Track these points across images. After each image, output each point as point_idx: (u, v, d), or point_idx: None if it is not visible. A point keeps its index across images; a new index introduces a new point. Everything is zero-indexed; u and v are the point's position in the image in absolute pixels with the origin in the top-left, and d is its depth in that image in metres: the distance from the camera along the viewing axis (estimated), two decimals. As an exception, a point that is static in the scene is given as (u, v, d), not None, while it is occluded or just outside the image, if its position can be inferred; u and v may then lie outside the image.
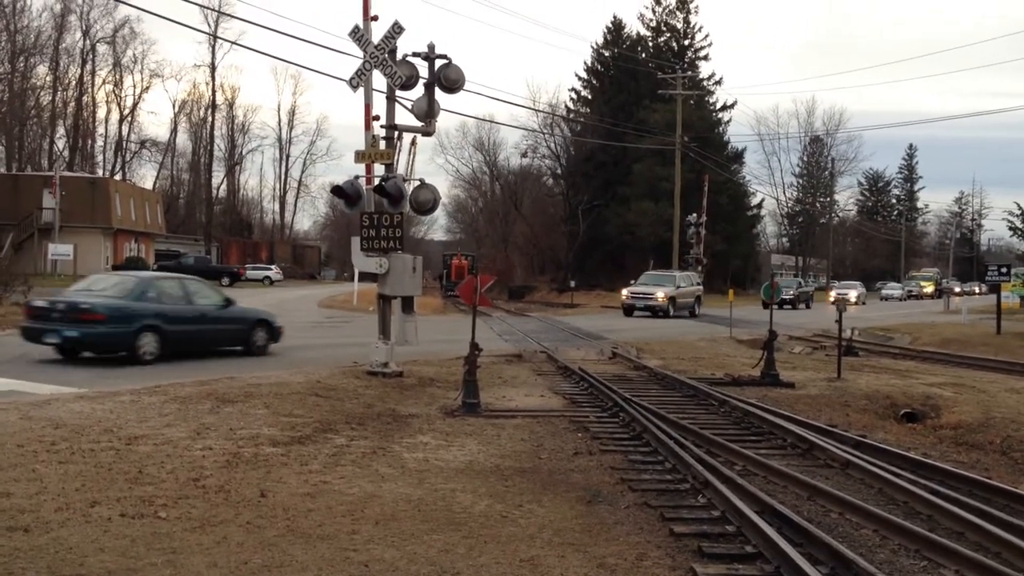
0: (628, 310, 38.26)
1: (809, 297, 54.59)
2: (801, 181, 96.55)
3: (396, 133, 15.36)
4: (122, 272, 22.05)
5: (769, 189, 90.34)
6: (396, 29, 14.57)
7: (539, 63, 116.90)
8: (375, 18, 14.71)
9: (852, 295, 58.98)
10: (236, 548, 5.97)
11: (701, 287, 43.29)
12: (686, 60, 70.86)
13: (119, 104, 77.16)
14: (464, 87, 15.65)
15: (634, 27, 75.02)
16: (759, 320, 29.01)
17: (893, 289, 76.48)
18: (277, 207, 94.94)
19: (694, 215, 54.82)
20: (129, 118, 77.56)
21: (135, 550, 5.83)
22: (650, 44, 73.60)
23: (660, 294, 37.60)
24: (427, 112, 15.38)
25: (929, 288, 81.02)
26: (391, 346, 14.85)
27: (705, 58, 74.02)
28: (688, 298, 39.97)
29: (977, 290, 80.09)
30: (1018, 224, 32.80)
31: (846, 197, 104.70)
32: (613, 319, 36.02)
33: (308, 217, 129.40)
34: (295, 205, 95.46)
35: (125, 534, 6.11)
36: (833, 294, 61.43)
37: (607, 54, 72.69)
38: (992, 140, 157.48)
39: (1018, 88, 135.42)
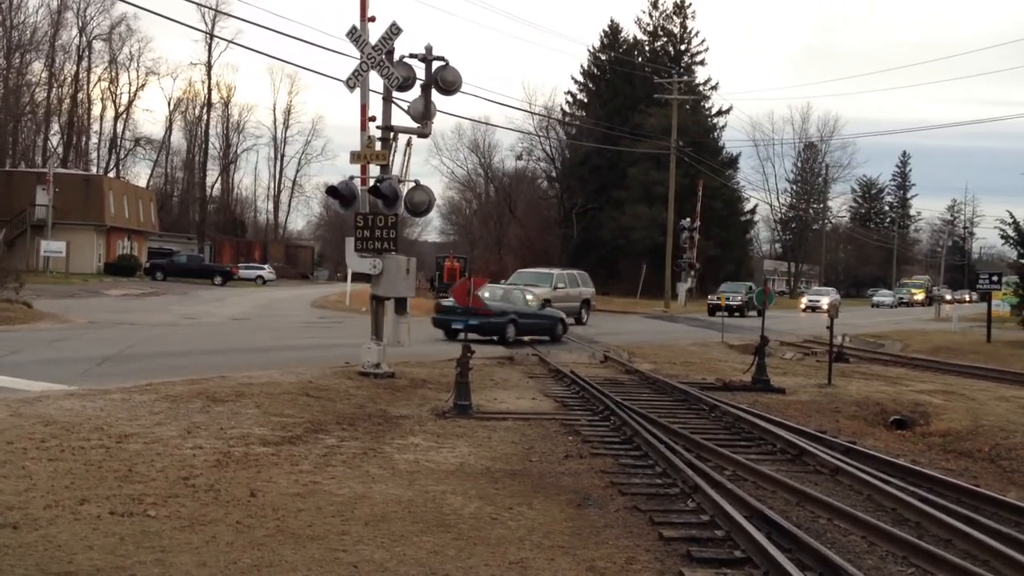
0: None
1: None
2: (795, 187, 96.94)
3: (392, 134, 15.36)
4: (491, 284, 29.85)
5: (763, 195, 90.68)
6: (394, 30, 14.58)
7: (535, 66, 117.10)
8: (372, 19, 14.72)
9: (824, 302, 54.74)
10: (225, 547, 5.97)
11: (592, 289, 36.06)
12: (682, 65, 71.07)
13: (114, 101, 76.97)
14: (461, 89, 15.68)
15: (631, 31, 75.24)
16: (751, 326, 29.07)
17: (884, 296, 76.57)
18: (271, 206, 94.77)
19: (688, 220, 54.86)
20: (124, 115, 77.36)
21: (124, 548, 5.82)
22: (646, 48, 73.76)
23: (530, 297, 29.12)
24: (423, 114, 15.39)
25: (920, 295, 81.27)
26: (383, 347, 14.84)
27: (701, 63, 74.35)
28: (571, 302, 32.32)
29: (968, 298, 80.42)
30: (1010, 233, 32.74)
31: (839, 204, 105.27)
32: (604, 321, 36.01)
33: (302, 217, 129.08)
34: (289, 205, 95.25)
35: (114, 532, 6.11)
36: (804, 301, 58.44)
37: (603, 58, 72.79)
38: (985, 149, 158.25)
39: (1012, 96, 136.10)
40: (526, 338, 24.21)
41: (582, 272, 37.29)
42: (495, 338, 23.13)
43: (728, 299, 45.60)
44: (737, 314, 43.33)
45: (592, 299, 35.77)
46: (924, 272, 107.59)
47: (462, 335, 21.67)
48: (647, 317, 42.52)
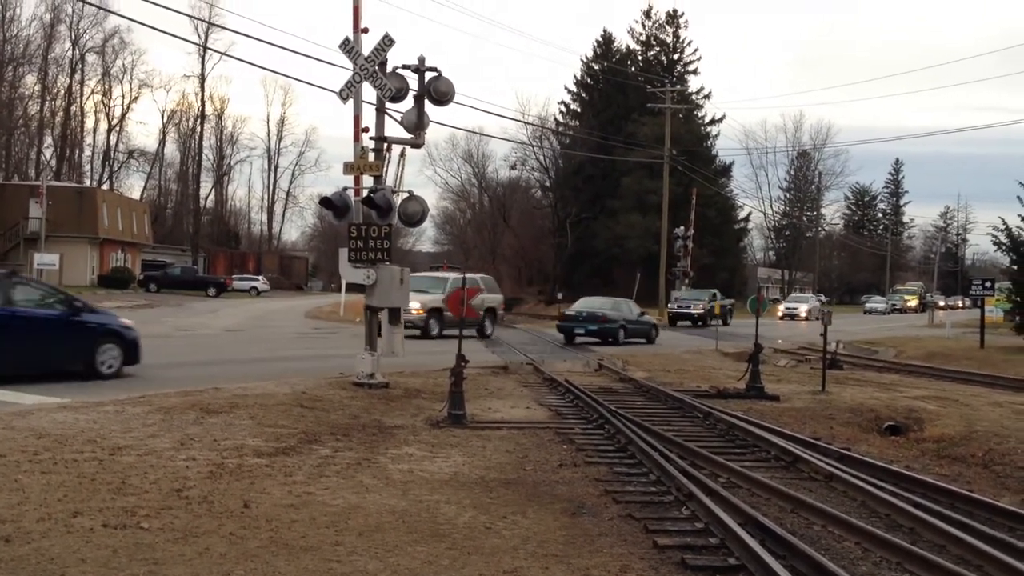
0: None
1: (728, 312, 45.51)
2: (788, 195, 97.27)
3: (385, 145, 15.39)
4: (601, 297, 34.77)
5: (756, 203, 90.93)
6: (386, 42, 14.62)
7: (529, 76, 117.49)
8: (365, 30, 14.75)
9: (802, 310, 54.75)
10: (219, 559, 5.95)
11: (499, 296, 31.66)
12: (675, 74, 71.33)
13: (107, 114, 77.13)
14: (454, 99, 15.72)
15: (624, 41, 75.58)
16: (745, 334, 29.12)
17: (877, 303, 76.71)
18: (265, 218, 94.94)
19: (682, 228, 54.97)
20: (117, 128, 77.54)
21: (117, 561, 5.80)
22: (640, 58, 74.05)
23: (416, 305, 26.37)
24: (416, 124, 15.43)
25: (913, 302, 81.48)
26: (377, 357, 14.83)
27: (694, 72, 74.61)
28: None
29: (961, 304, 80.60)
30: (1002, 239, 32.78)
31: (832, 211, 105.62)
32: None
33: (296, 228, 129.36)
34: (283, 216, 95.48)
35: (107, 544, 6.09)
36: (781, 308, 56.99)
37: (597, 67, 73.03)
38: (977, 155, 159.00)
39: (1003, 103, 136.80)
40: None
41: (487, 276, 33.38)
42: (610, 340, 28.57)
43: (688, 308, 43.93)
44: (700, 323, 41.89)
45: (499, 308, 30.64)
46: (917, 278, 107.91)
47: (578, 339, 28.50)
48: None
